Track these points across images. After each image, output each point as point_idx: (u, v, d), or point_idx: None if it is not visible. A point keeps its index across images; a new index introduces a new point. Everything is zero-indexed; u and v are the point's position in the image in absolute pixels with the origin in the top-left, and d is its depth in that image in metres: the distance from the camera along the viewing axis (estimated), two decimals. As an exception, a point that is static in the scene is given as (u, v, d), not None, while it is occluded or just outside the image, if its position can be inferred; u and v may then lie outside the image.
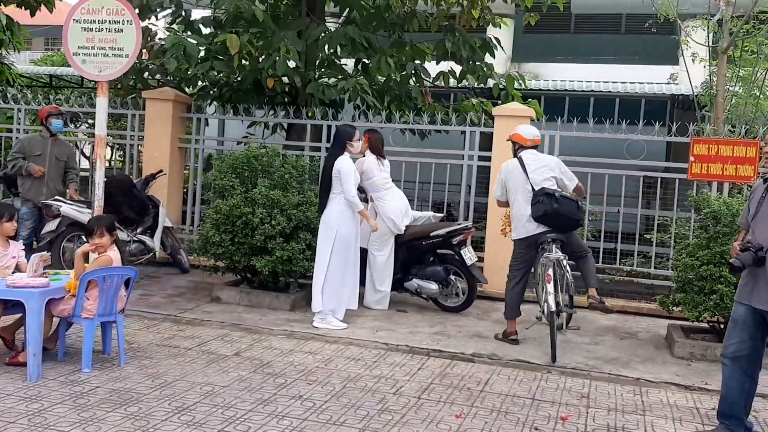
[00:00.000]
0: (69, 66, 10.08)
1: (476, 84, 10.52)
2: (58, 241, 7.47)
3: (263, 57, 8.24)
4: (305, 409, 4.33)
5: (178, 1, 9.17)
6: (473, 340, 6.28)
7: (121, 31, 6.48)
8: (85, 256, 5.03)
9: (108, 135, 11.08)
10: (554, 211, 5.91)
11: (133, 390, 4.49)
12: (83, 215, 7.41)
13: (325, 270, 6.34)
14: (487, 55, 10.14)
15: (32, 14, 11.76)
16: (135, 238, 7.91)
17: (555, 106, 12.38)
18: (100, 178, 6.61)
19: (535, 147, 6.36)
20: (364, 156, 7.13)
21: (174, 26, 9.40)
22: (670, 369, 5.71)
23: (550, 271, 5.86)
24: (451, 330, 6.58)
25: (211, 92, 9.62)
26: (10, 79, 12.17)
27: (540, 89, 14.12)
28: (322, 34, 8.78)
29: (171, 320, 6.39)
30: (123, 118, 9.84)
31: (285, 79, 8.94)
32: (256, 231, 6.72)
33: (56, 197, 7.50)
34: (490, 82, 10.23)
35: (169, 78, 9.65)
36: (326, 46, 8.86)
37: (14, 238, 7.65)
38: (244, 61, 8.67)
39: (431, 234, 7.16)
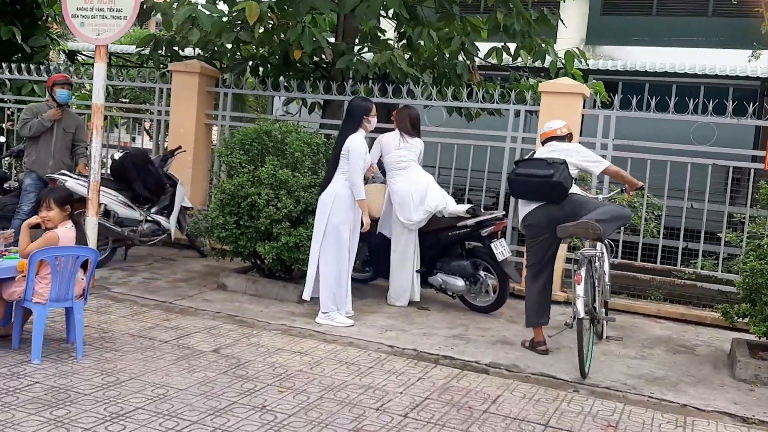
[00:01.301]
0: (131, 44, 9.70)
1: (531, 61, 9.55)
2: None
3: (290, 27, 7.54)
4: (261, 424, 3.64)
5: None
6: (495, 346, 5.45)
7: (120, -10, 5.96)
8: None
9: (140, 110, 10.83)
10: (516, 175, 5.28)
11: (74, 388, 3.92)
12: (90, 191, 6.97)
13: (316, 257, 5.67)
14: (548, 31, 9.20)
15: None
16: (149, 218, 7.43)
17: (632, 91, 11.27)
18: (96, 150, 6.13)
19: (558, 138, 5.54)
20: None
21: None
22: (726, 395, 4.72)
23: (582, 271, 4.96)
24: (472, 333, 5.77)
25: (243, 66, 9.00)
26: (55, 54, 11.96)
27: (612, 70, 13.03)
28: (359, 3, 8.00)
29: (163, 308, 5.83)
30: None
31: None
32: (261, 214, 6.10)
33: (63, 171, 7.08)
34: (549, 61, 9.24)
35: (200, 53, 9.13)
36: (364, 16, 8.07)
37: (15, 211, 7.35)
38: (273, 35, 8.05)
39: (458, 224, 6.34)
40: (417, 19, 8.98)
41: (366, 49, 9.63)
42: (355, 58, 7.94)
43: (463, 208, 6.32)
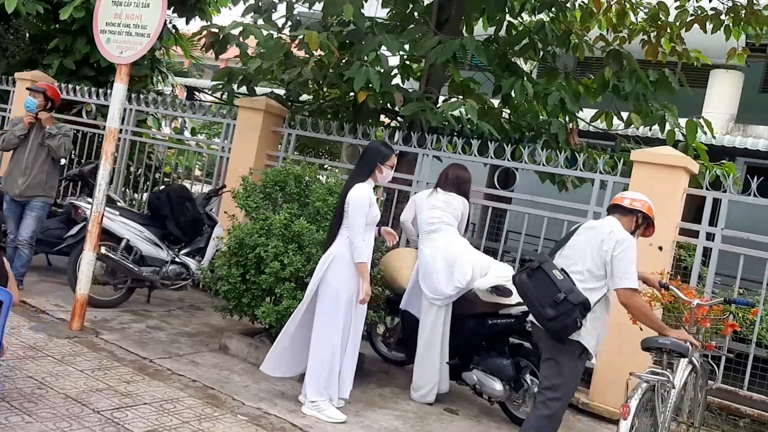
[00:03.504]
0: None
1: (648, 129, 8.16)
2: (76, 250, 6.46)
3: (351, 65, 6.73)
4: None
5: (289, 3, 8.07)
6: (514, 482, 4.13)
7: (148, 5, 5.43)
8: None
9: (200, 144, 10.40)
10: (521, 281, 4.08)
11: None
12: (112, 223, 6.41)
13: (293, 324, 4.66)
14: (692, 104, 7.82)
15: (187, 22, 11.53)
16: (177, 259, 6.75)
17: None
18: (102, 179, 5.53)
19: (621, 210, 4.17)
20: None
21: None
22: None
23: (633, 402, 3.62)
24: (495, 457, 4.48)
25: (312, 106, 8.32)
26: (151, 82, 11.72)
27: (755, 151, 11.20)
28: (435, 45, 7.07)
29: (136, 366, 5.00)
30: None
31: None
32: (266, 269, 5.19)
33: (88, 198, 6.57)
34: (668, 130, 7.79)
35: (274, 91, 8.54)
36: (437, 59, 7.11)
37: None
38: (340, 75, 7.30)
39: (500, 311, 5.09)
40: (516, 72, 7.94)
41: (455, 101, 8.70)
42: (427, 109, 6.97)
43: (489, 282, 4.99)
